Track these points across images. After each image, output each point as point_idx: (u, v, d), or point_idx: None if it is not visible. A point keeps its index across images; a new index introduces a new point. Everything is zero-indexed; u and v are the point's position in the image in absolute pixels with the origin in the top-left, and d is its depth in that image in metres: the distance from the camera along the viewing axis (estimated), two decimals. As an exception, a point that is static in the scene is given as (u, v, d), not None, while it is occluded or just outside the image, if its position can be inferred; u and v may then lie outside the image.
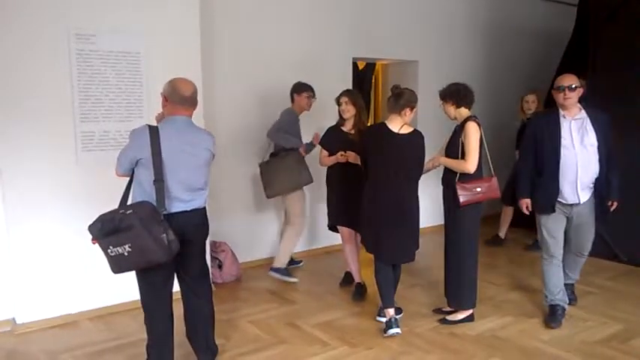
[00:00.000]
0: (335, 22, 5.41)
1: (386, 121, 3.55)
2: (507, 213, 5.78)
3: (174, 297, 2.96)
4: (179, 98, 2.79)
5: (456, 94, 3.58)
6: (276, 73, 5.04)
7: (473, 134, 3.47)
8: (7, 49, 3.47)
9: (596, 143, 3.49)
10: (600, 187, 3.60)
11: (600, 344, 3.43)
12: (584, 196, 3.57)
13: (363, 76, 7.20)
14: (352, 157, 4.04)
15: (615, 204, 3.70)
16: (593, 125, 3.50)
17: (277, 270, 4.68)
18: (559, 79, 3.55)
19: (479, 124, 3.51)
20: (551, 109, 3.69)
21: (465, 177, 3.52)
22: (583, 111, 3.55)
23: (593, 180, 3.56)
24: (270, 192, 4.57)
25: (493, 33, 6.76)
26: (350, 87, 5.65)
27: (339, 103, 4.16)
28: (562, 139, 3.51)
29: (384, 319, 3.64)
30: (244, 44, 4.85)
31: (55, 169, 3.69)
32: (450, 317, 3.76)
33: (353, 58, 5.71)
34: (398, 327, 3.53)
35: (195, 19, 4.15)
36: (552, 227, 3.69)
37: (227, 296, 4.32)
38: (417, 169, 3.53)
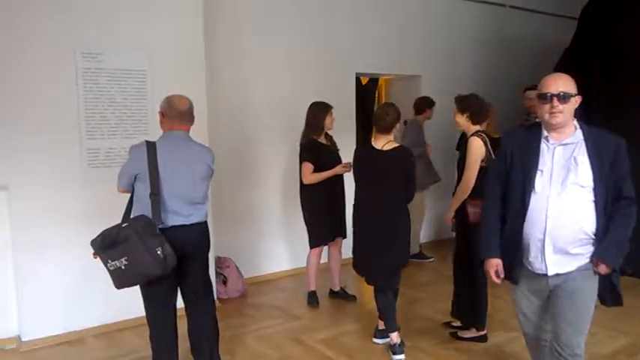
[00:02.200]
0: (338, 36, 5.46)
1: (372, 141, 3.53)
2: None
3: (179, 313, 2.96)
4: (176, 113, 2.83)
5: (475, 110, 3.53)
6: (280, 88, 5.08)
7: (474, 151, 3.44)
8: (16, 68, 3.52)
9: (590, 184, 2.23)
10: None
11: (608, 358, 3.40)
12: (561, 265, 2.30)
13: (366, 90, 7.25)
14: (348, 166, 3.96)
15: (604, 267, 2.29)
16: (590, 154, 2.26)
17: (414, 256, 5.40)
18: (544, 81, 2.30)
19: (484, 141, 3.46)
20: (534, 124, 2.47)
21: (475, 194, 3.43)
22: (579, 131, 2.31)
23: (584, 241, 2.28)
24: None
25: (496, 47, 6.81)
26: (354, 102, 5.70)
27: (328, 115, 4.19)
28: (537, 175, 2.31)
29: (379, 341, 3.64)
30: (248, 59, 4.90)
31: (62, 186, 3.72)
32: (461, 333, 3.73)
33: (356, 73, 5.75)
34: (402, 353, 3.43)
35: (200, 36, 4.21)
36: (521, 302, 2.55)
37: (232, 312, 4.31)
38: (404, 185, 3.36)
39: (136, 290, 2.81)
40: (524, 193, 2.32)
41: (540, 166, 2.30)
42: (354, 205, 3.55)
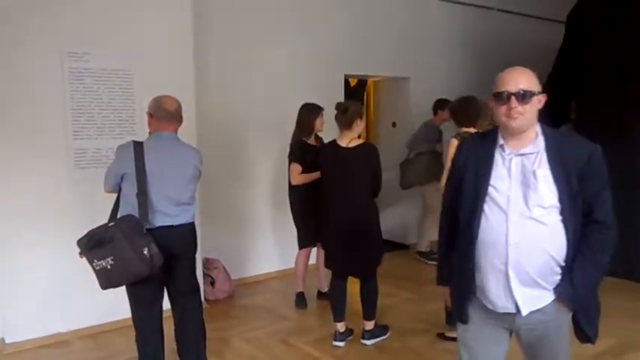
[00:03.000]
0: (327, 38, 5.46)
1: (337, 138, 3.59)
2: None
3: (165, 314, 2.94)
4: (164, 114, 2.82)
5: (462, 111, 3.61)
6: (268, 89, 5.07)
7: (448, 152, 3.46)
8: (2, 68, 3.48)
9: (554, 204, 1.80)
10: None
11: (594, 358, 3.43)
12: (535, 300, 1.86)
13: (355, 92, 7.25)
14: None
15: (565, 306, 1.89)
16: (553, 166, 1.82)
17: (421, 254, 5.79)
18: (501, 77, 1.88)
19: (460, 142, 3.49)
20: (491, 130, 2.02)
21: None
22: (541, 138, 1.87)
23: (558, 270, 1.85)
24: (404, 182, 5.64)
25: (486, 49, 6.85)
26: (342, 103, 5.70)
27: (318, 117, 4.20)
28: (488, 191, 1.87)
29: (368, 342, 3.69)
30: (236, 60, 4.89)
31: (48, 186, 3.68)
32: (449, 333, 3.74)
33: (345, 75, 5.76)
34: (342, 341, 3.67)
35: (188, 37, 4.19)
36: (474, 348, 2.05)
37: (219, 313, 4.29)
38: (369, 181, 3.50)
39: (122, 291, 2.79)
40: (474, 216, 1.87)
41: (494, 182, 1.87)
42: (323, 203, 3.64)
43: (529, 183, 1.82)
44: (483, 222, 1.87)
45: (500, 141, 1.90)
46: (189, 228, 2.93)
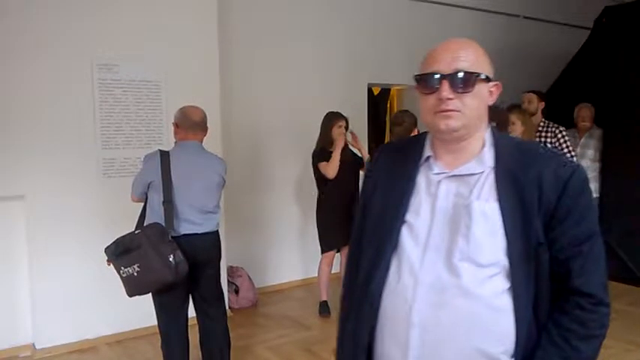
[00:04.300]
0: (350, 47, 5.49)
1: None
2: None
3: (190, 322, 2.97)
4: (189, 124, 2.87)
5: (502, 121, 3.65)
6: (293, 99, 5.11)
7: None
8: (35, 79, 3.59)
9: (499, 261, 1.11)
10: None
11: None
12: None
13: (379, 101, 7.26)
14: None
15: None
16: (505, 198, 1.13)
17: None
18: (430, 53, 1.24)
19: None
20: (419, 135, 1.34)
21: None
22: (488, 150, 1.20)
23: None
24: None
25: (505, 57, 6.78)
26: (365, 113, 5.72)
27: (334, 126, 4.22)
28: (401, 232, 1.20)
29: None
30: (261, 71, 4.94)
31: (77, 195, 3.77)
32: None
33: (368, 84, 5.77)
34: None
35: (214, 48, 4.26)
36: None
37: (243, 322, 4.32)
38: None
39: (150, 299, 2.84)
40: (375, 272, 1.20)
41: (410, 217, 1.19)
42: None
43: (459, 224, 1.13)
44: (388, 283, 1.18)
45: (427, 152, 1.23)
46: (214, 236, 2.96)
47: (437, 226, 1.16)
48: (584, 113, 5.15)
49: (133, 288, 2.70)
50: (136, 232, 2.73)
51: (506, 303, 1.11)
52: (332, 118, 4.26)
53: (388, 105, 7.51)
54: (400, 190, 1.22)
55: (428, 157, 1.23)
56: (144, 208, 2.88)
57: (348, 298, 1.32)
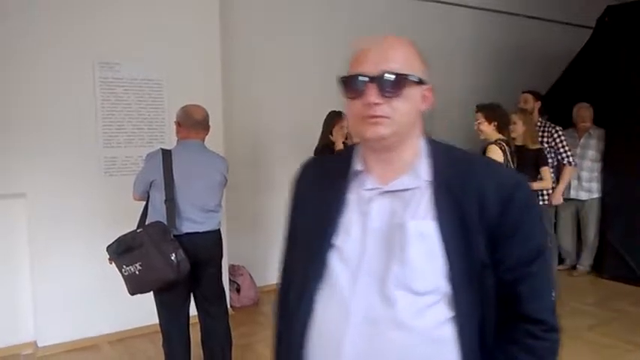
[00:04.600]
0: (348, 47, 5.47)
1: None
2: None
3: (192, 321, 2.98)
4: (192, 122, 2.88)
5: (502, 120, 3.61)
6: (295, 99, 5.12)
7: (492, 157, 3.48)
8: (36, 78, 3.59)
9: (439, 287, 1.00)
10: None
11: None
12: None
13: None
14: None
15: None
16: (444, 216, 1.02)
17: None
18: (357, 53, 1.14)
19: (503, 149, 3.48)
20: (344, 151, 1.30)
21: None
22: (424, 162, 1.08)
23: None
24: None
25: (510, 56, 6.78)
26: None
27: (336, 125, 4.20)
28: (327, 257, 1.07)
29: None
30: (263, 71, 4.94)
31: (79, 194, 3.77)
32: None
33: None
34: None
35: (216, 47, 4.26)
36: None
37: (245, 320, 4.32)
38: None
39: (151, 297, 2.84)
40: (302, 303, 1.08)
41: (339, 239, 1.07)
42: None
43: (394, 246, 1.01)
44: (316, 316, 1.06)
45: (357, 166, 1.11)
46: (216, 235, 2.97)
47: (370, 249, 1.04)
48: (583, 113, 5.15)
49: (135, 286, 2.71)
50: (138, 230, 2.73)
51: (448, 333, 1.00)
52: (334, 118, 4.25)
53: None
54: (328, 209, 1.09)
55: (358, 171, 1.11)
56: (145, 207, 2.89)
57: (277, 334, 1.23)
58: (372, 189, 1.08)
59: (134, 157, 3.93)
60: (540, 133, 4.61)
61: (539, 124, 4.68)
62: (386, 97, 1.03)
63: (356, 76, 1.06)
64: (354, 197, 1.09)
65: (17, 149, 3.58)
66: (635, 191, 4.85)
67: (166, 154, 2.81)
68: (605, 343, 3.78)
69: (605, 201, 5.08)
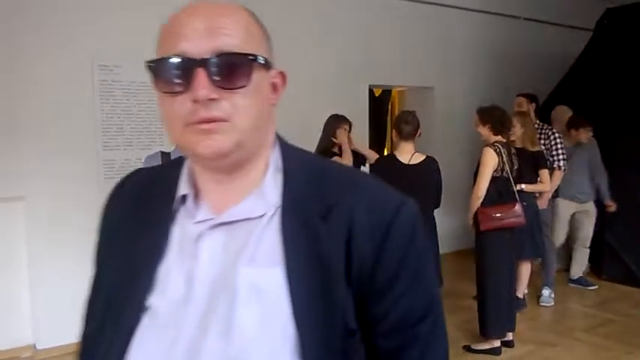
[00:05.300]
0: (351, 49, 5.49)
1: (395, 152, 3.52)
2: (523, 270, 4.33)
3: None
4: None
5: (496, 122, 3.59)
6: (293, 100, 5.10)
7: (486, 161, 3.49)
8: (37, 81, 3.59)
9: (284, 348, 0.67)
10: None
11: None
12: None
13: (380, 102, 7.27)
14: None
15: None
16: (296, 252, 0.70)
17: (574, 281, 5.05)
18: (170, 24, 0.77)
19: (497, 151, 3.49)
20: (168, 167, 0.91)
21: (486, 202, 3.51)
22: (268, 180, 0.77)
23: None
24: None
25: (509, 59, 6.78)
26: (367, 113, 5.72)
27: (339, 129, 4.17)
28: (140, 328, 0.72)
29: None
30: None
31: (78, 196, 3.76)
32: (474, 345, 3.69)
33: (369, 85, 5.77)
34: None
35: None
36: None
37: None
38: (433, 197, 3.47)
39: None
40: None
41: (154, 298, 0.74)
42: None
43: (217, 307, 0.71)
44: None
45: (183, 189, 0.79)
46: None
47: (195, 312, 0.70)
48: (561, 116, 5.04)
49: None
50: None
51: None
52: (336, 121, 4.24)
53: (389, 106, 7.53)
54: (142, 254, 0.76)
55: (184, 197, 0.78)
56: None
57: None
58: (205, 220, 0.75)
59: (133, 159, 3.93)
60: (537, 135, 4.59)
61: (535, 126, 4.67)
62: (223, 89, 0.69)
63: (174, 58, 0.69)
64: (178, 231, 0.76)
65: (16, 152, 3.57)
66: (637, 194, 4.84)
67: (165, 157, 2.81)
68: (604, 345, 3.78)
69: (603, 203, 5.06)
